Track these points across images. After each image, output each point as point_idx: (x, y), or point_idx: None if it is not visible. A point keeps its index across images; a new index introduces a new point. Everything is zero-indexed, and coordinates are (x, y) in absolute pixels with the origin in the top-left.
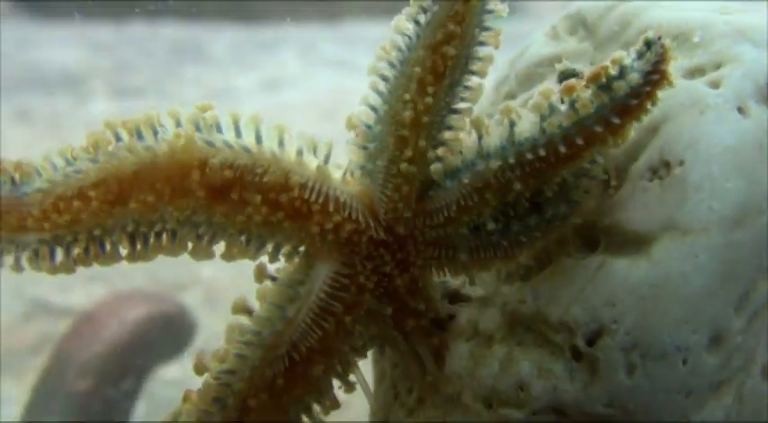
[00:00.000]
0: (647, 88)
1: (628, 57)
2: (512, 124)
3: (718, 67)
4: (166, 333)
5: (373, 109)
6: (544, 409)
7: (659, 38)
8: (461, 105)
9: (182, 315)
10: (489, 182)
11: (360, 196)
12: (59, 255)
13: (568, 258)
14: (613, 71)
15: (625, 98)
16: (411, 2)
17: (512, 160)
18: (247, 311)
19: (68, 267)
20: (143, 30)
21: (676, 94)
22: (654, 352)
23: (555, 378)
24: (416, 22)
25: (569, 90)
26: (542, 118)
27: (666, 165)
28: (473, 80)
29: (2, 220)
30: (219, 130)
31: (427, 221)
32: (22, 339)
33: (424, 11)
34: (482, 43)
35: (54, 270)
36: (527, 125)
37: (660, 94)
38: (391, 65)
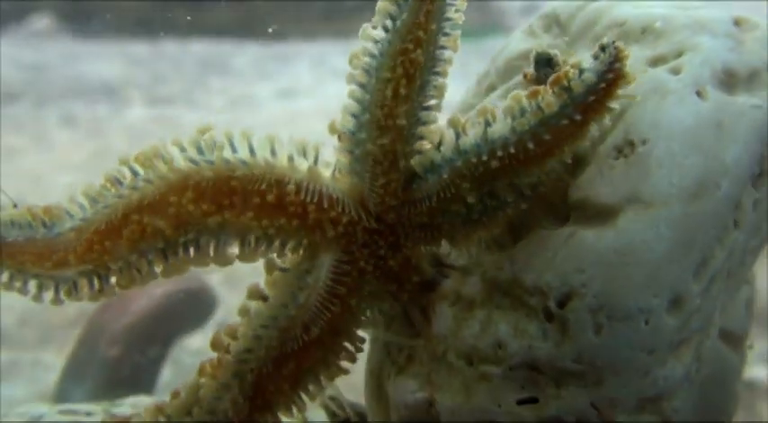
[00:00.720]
0: (603, 85)
1: (586, 61)
2: (487, 124)
3: (678, 55)
4: (190, 306)
5: (354, 116)
6: (519, 365)
7: (613, 41)
8: (431, 102)
9: (204, 290)
10: (466, 175)
11: (350, 192)
12: (96, 283)
13: (542, 230)
14: (573, 74)
15: (583, 96)
16: (378, 9)
17: (485, 157)
18: (261, 297)
19: (109, 293)
20: (175, 46)
21: (640, 81)
22: (619, 313)
23: (529, 337)
24: (386, 29)
25: (535, 94)
26: (513, 118)
27: (631, 144)
28: (439, 81)
29: (41, 260)
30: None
31: (413, 209)
32: (63, 316)
33: (393, 18)
34: (443, 47)
35: (95, 298)
36: (500, 125)
37: (620, 91)
38: (367, 72)
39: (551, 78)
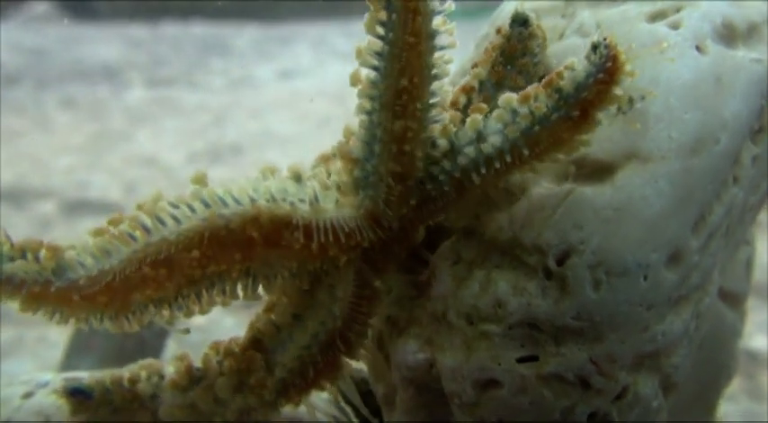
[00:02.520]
0: (593, 80)
1: (578, 62)
2: (479, 139)
3: (677, 10)
4: None
5: (365, 142)
6: (519, 323)
7: (605, 39)
8: (436, 100)
9: None
10: (469, 182)
11: (361, 212)
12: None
13: (541, 188)
14: (565, 74)
15: (575, 93)
16: (366, 24)
17: (483, 170)
18: (286, 323)
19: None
20: (175, 28)
21: (639, 36)
22: (617, 269)
23: (529, 295)
24: (381, 38)
25: (526, 98)
26: (505, 125)
27: (629, 100)
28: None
29: (55, 305)
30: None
31: (425, 208)
32: None
33: (383, 25)
34: (441, 47)
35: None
36: (493, 137)
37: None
38: (374, 86)
39: (544, 81)
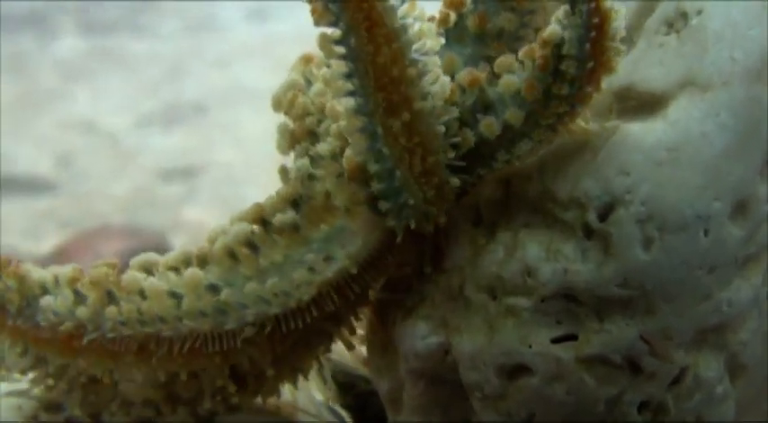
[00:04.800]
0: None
1: (554, 28)
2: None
3: None
4: None
5: (378, 152)
6: (554, 294)
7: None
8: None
9: (161, 250)
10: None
11: (379, 242)
12: None
13: (577, 128)
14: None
15: (580, 69)
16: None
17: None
18: None
19: None
20: None
21: None
22: (672, 223)
23: (565, 259)
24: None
25: (531, 88)
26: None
27: (683, 15)
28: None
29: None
30: None
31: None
32: None
33: (338, 43)
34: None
35: None
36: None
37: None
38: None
39: (538, 64)
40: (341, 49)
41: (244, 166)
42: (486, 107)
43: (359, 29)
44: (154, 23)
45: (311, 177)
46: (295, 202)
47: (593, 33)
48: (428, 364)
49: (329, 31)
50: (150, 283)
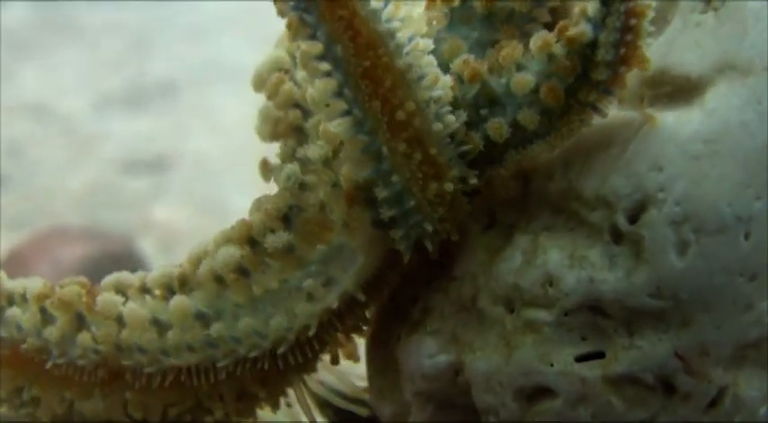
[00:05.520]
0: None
1: (585, 25)
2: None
3: None
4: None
5: (386, 176)
6: (578, 306)
7: None
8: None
9: (130, 256)
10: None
11: (379, 259)
12: None
13: (605, 118)
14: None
15: (609, 71)
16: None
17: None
18: None
19: None
20: None
21: None
22: (710, 225)
23: (591, 266)
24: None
25: (551, 92)
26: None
27: None
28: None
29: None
30: None
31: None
32: None
33: (320, 58)
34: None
35: None
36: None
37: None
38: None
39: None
40: (325, 66)
41: (221, 157)
42: (492, 102)
43: (342, 38)
44: None
45: (303, 186)
46: (286, 217)
47: (630, 36)
48: (437, 385)
49: (309, 44)
50: (130, 309)
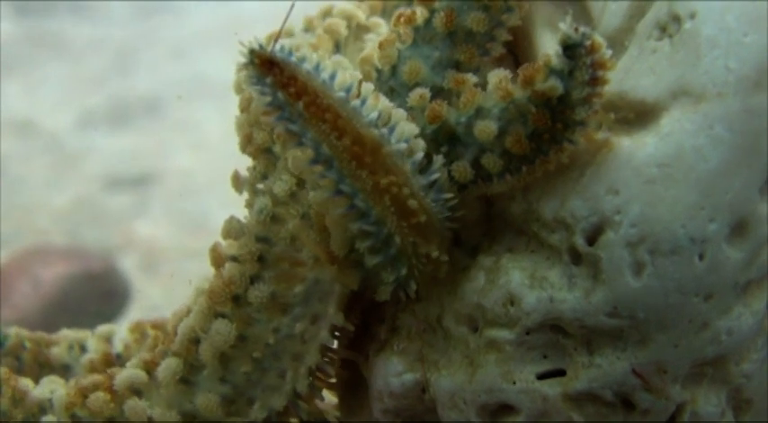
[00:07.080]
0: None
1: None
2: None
3: None
4: (92, 295)
5: (369, 230)
6: (539, 325)
7: (581, 34)
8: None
9: (111, 275)
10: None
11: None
12: None
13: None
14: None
15: (581, 119)
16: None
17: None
18: None
19: None
20: None
21: None
22: (664, 246)
23: (551, 287)
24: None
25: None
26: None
27: (676, 19)
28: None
29: None
30: None
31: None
32: None
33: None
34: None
35: None
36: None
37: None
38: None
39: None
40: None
41: (204, 174)
42: (451, 140)
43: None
44: (99, 4)
45: (274, 219)
46: (261, 258)
47: (598, 88)
48: (404, 402)
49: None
50: (159, 414)
